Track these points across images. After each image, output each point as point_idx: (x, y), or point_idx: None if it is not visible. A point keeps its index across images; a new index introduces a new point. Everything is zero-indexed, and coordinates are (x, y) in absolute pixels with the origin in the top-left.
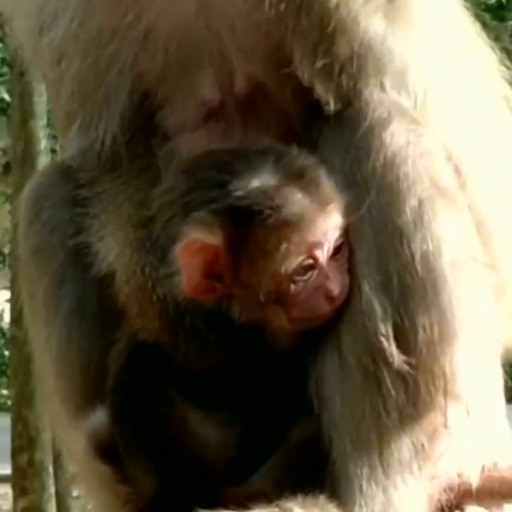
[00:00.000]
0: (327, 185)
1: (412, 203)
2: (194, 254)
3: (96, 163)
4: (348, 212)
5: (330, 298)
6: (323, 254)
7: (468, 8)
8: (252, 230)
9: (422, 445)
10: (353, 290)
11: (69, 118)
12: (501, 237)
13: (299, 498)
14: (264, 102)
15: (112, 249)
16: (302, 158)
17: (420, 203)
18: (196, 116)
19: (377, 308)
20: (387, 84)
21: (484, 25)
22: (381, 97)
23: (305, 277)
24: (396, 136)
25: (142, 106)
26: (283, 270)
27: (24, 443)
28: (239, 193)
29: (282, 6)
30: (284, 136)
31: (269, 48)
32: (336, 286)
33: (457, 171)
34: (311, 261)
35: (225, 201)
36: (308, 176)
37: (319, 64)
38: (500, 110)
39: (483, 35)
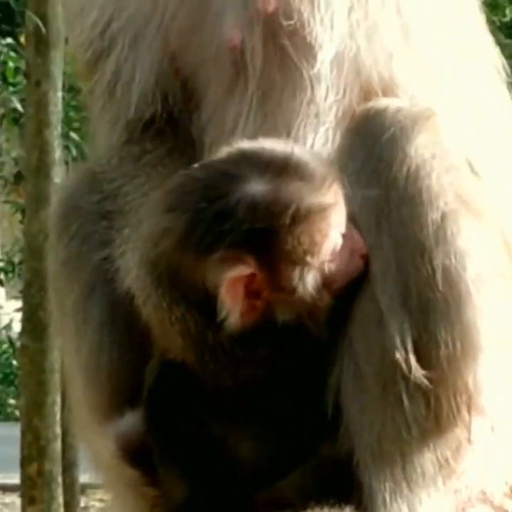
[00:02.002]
0: (315, 162)
1: (434, 216)
2: (237, 290)
3: (118, 167)
4: (367, 226)
5: (361, 255)
6: (341, 224)
7: None
8: (274, 239)
9: (446, 460)
10: (369, 302)
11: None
12: None
13: (325, 508)
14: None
15: (129, 269)
16: (280, 149)
17: (443, 217)
18: (219, 59)
19: (395, 322)
20: (414, 94)
21: (498, 43)
22: (407, 106)
23: (337, 252)
24: (421, 149)
25: (166, 63)
26: (317, 259)
27: (33, 453)
28: (245, 216)
29: None
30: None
31: None
32: (361, 242)
33: (481, 186)
34: (336, 237)
35: (238, 229)
36: (295, 166)
37: None
38: None
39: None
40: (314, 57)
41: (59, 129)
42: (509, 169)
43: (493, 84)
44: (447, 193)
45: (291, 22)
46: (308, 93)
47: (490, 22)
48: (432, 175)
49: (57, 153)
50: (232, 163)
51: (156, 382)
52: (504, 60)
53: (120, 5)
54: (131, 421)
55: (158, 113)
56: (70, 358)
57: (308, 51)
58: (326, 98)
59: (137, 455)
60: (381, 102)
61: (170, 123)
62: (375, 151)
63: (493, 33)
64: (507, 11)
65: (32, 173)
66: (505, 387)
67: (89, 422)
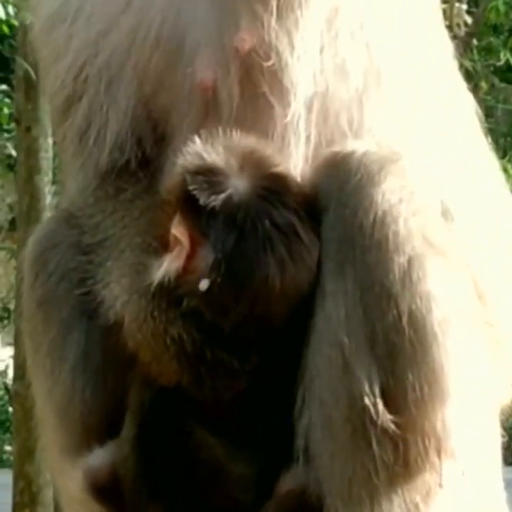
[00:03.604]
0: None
1: (400, 261)
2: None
3: (95, 205)
4: (331, 270)
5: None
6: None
7: (476, 71)
8: None
9: (416, 504)
10: (333, 348)
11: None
12: (495, 296)
13: None
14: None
15: (118, 296)
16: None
17: (410, 261)
18: (192, 101)
19: (362, 368)
20: (383, 136)
21: (492, 87)
22: (374, 150)
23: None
24: (388, 194)
25: (140, 108)
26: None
27: (26, 499)
28: None
29: None
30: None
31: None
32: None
33: (450, 227)
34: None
35: None
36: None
37: None
38: (490, 164)
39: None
40: (289, 97)
41: (50, 175)
42: (484, 211)
43: (466, 126)
44: (414, 237)
45: (268, 62)
46: (281, 133)
47: (484, 66)
48: (398, 220)
49: (48, 199)
50: None
51: (147, 411)
52: (499, 104)
53: (95, 49)
54: (100, 457)
55: (132, 157)
56: (42, 399)
57: (283, 91)
58: (297, 139)
59: (106, 491)
60: (348, 146)
61: (143, 164)
62: (341, 197)
63: (487, 76)
64: (501, 55)
65: (23, 219)
66: (474, 431)
67: (60, 460)
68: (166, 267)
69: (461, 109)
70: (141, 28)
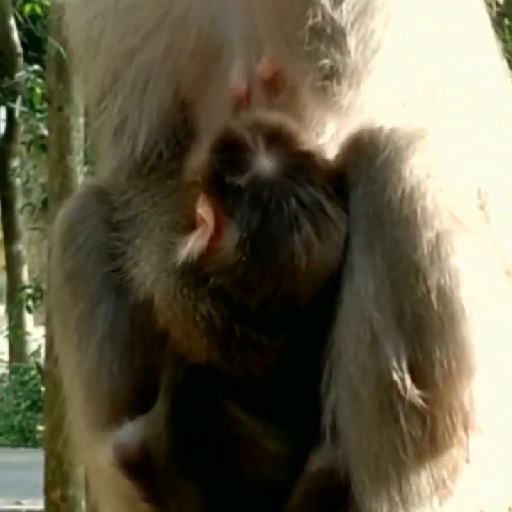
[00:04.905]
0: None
1: (429, 236)
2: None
3: (127, 182)
4: (360, 246)
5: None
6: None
7: (509, 51)
8: None
9: (443, 480)
10: (361, 323)
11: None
12: None
13: None
14: (288, 91)
15: (148, 275)
16: None
17: (438, 237)
18: (224, 107)
19: (389, 343)
20: (410, 111)
21: None
22: (401, 126)
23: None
24: (416, 170)
25: (174, 110)
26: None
27: (57, 478)
28: None
29: None
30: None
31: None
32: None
33: (482, 205)
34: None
35: None
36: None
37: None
38: None
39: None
40: (314, 130)
41: (81, 154)
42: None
43: (500, 105)
44: (442, 212)
45: (293, 85)
46: None
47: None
48: (426, 195)
49: (80, 178)
50: None
51: (179, 387)
52: None
53: (132, 54)
54: (130, 432)
55: (164, 154)
56: (70, 372)
57: (312, 116)
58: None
59: (136, 467)
60: (375, 123)
61: (173, 158)
62: (369, 173)
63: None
64: None
65: (55, 199)
66: (502, 406)
67: (88, 435)
68: (191, 245)
69: (494, 88)
70: (179, 36)
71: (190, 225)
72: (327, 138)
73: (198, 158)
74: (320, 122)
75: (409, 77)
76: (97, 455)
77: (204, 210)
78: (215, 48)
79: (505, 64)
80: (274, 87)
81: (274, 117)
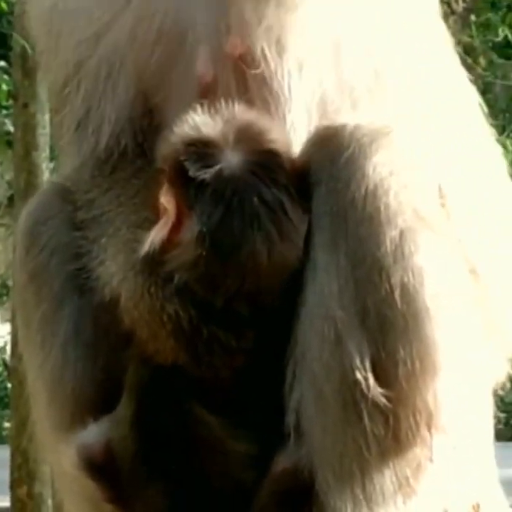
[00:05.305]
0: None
1: (392, 234)
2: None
3: (91, 180)
4: (324, 244)
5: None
6: None
7: (476, 47)
8: None
9: (407, 479)
10: (325, 321)
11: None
12: (488, 272)
13: None
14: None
15: (114, 274)
16: None
17: (401, 234)
18: (191, 95)
19: (353, 341)
20: (374, 110)
21: (491, 63)
22: (365, 124)
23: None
24: (379, 167)
25: (139, 99)
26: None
27: (23, 475)
28: None
29: None
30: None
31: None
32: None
33: (442, 203)
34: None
35: None
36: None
37: None
38: (488, 145)
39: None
40: (284, 107)
41: (47, 151)
42: (479, 189)
43: (463, 105)
44: (405, 210)
45: (257, 70)
46: None
47: (483, 42)
48: (389, 192)
49: (46, 175)
50: None
51: (145, 388)
52: (498, 80)
53: (96, 42)
54: (94, 433)
55: (129, 146)
56: (34, 373)
57: (277, 100)
58: (295, 141)
59: (100, 468)
60: (339, 120)
61: (139, 152)
62: (333, 170)
63: (486, 52)
64: (500, 31)
65: (21, 195)
66: (466, 405)
67: (52, 436)
68: (153, 236)
69: (458, 88)
70: (143, 22)
71: (156, 217)
72: (294, 128)
73: (165, 147)
74: (286, 110)
75: (359, 63)
76: (61, 456)
77: (166, 200)
78: (179, 33)
79: (469, 59)
80: (241, 72)
81: (246, 114)
